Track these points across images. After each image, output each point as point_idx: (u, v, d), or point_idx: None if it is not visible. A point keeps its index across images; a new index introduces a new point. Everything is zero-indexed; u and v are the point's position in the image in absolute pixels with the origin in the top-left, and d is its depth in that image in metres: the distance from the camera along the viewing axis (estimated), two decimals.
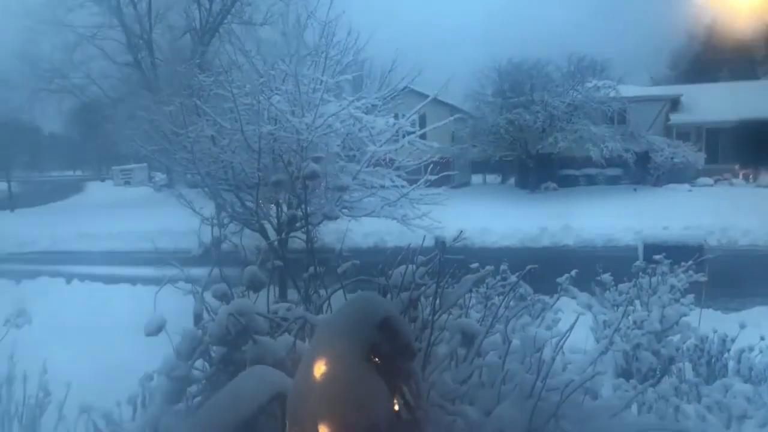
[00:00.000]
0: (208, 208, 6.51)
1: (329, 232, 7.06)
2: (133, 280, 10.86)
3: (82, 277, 12.05)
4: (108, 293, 10.63)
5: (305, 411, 1.25)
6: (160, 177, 27.14)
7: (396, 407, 1.31)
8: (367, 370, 1.27)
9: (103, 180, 41.57)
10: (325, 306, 2.89)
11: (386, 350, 1.29)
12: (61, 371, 4.68)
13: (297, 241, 5.97)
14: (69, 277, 11.97)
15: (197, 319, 2.75)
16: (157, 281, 3.64)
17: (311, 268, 3.23)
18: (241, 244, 3.56)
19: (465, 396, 2.80)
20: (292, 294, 3.55)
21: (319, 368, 1.28)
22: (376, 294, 1.44)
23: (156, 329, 2.85)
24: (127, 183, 35.44)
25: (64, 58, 29.79)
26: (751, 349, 4.59)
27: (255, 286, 2.65)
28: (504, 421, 2.54)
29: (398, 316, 1.34)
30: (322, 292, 3.19)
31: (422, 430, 1.37)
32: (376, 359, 1.30)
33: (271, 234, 6.64)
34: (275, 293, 3.62)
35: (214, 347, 2.42)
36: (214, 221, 3.20)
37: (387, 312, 1.30)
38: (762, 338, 4.70)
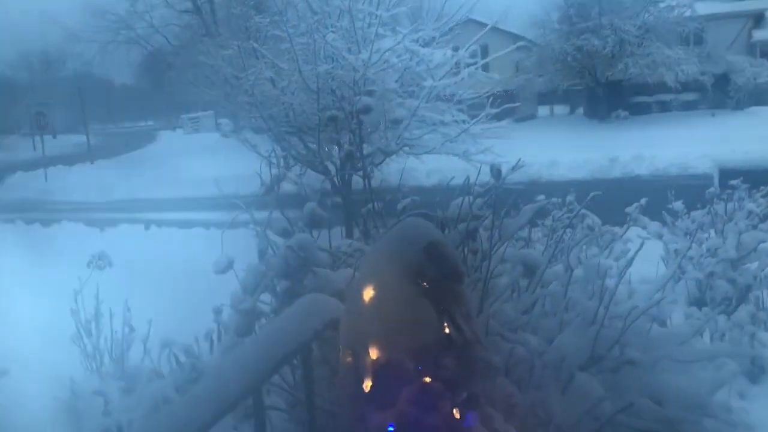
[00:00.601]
0: (273, 152, 6.63)
1: (393, 172, 7.06)
2: (206, 224, 11.28)
3: (159, 223, 12.58)
4: (183, 237, 11.10)
5: (356, 334, 1.29)
6: (226, 123, 27.65)
7: (446, 330, 1.33)
8: (415, 294, 1.28)
9: (173, 129, 42.57)
10: None
11: (433, 274, 1.30)
12: (143, 309, 4.98)
13: (360, 182, 6.01)
14: (147, 224, 12.52)
15: (261, 255, 2.84)
16: (228, 224, 3.77)
17: (370, 204, 3.25)
18: (302, 183, 3.62)
19: (527, 325, 2.80)
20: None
21: (368, 293, 1.30)
22: (422, 219, 1.44)
23: (225, 267, 2.96)
24: (195, 131, 36.20)
25: (128, 9, 30.40)
26: None
27: (314, 222, 2.70)
28: (566, 348, 2.53)
29: (444, 239, 1.34)
30: (383, 230, 3.22)
31: (473, 353, 1.38)
32: (424, 283, 1.31)
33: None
34: (341, 233, 3.68)
35: (278, 281, 2.50)
36: (273, 160, 3.26)
37: (433, 236, 1.30)
38: None
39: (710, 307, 4.57)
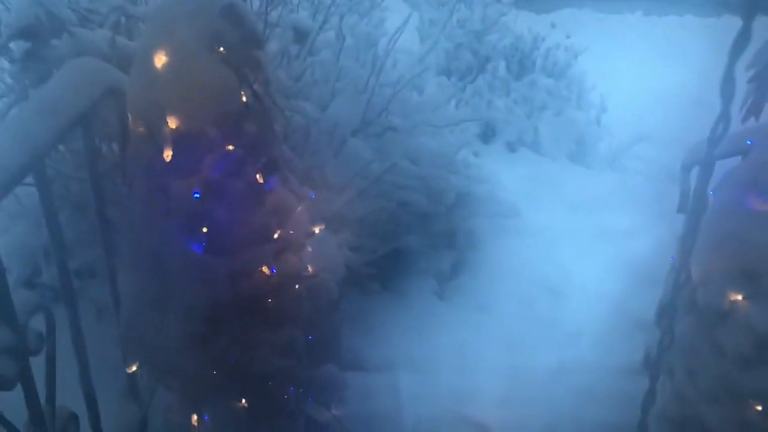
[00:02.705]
0: None
1: None
2: None
3: None
4: None
5: (149, 104, 1.18)
6: None
7: (244, 97, 1.28)
8: (212, 60, 1.18)
9: None
10: None
11: (231, 38, 1.20)
12: None
13: None
14: None
15: None
16: None
17: None
18: None
19: (300, 93, 2.82)
20: None
21: (160, 59, 1.16)
22: None
23: None
24: None
25: None
26: (557, 47, 4.97)
27: None
28: (339, 115, 2.63)
29: (242, 1, 1.22)
30: None
31: (270, 119, 1.37)
32: (221, 49, 1.21)
33: None
34: None
35: (15, 42, 2.11)
36: None
37: None
38: (568, 36, 5.08)
39: (456, 77, 5.02)
